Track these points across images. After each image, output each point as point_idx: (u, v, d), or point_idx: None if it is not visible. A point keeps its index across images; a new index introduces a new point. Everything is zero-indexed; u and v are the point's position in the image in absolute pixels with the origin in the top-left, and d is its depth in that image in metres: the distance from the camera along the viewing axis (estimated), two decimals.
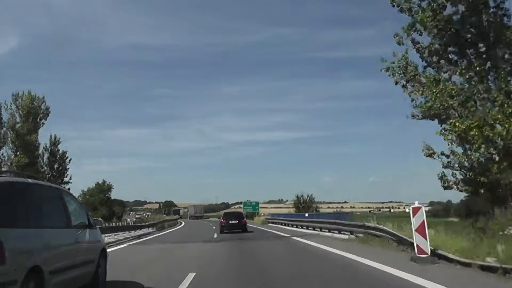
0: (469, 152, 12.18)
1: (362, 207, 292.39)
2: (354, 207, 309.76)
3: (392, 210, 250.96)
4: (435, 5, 12.40)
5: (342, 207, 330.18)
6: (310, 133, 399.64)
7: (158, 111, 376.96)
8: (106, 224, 29.85)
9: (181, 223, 63.12)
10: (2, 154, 34.11)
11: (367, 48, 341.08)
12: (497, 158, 11.41)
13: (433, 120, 13.07)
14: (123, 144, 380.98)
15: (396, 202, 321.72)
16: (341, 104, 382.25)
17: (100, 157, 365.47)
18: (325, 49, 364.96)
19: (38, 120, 36.53)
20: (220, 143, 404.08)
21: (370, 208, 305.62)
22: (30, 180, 5.80)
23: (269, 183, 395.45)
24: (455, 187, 12.77)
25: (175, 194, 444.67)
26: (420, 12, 12.61)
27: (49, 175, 35.94)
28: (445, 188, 12.76)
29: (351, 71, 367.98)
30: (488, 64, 12.15)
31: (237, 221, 25.65)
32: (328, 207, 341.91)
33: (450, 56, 13.02)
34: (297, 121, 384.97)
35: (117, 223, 37.61)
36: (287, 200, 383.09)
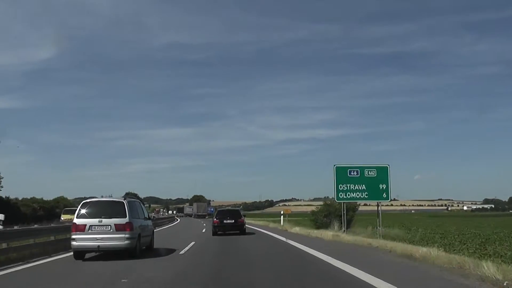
0: None
1: (413, 205, 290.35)
2: (404, 205, 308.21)
3: (449, 209, 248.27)
4: None
5: (392, 205, 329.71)
6: (352, 130, 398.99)
7: (199, 109, 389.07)
8: None
9: (177, 219, 66.38)
10: None
11: (408, 43, 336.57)
12: None
13: None
14: (165, 143, 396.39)
15: (446, 200, 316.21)
16: (383, 100, 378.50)
17: (143, 156, 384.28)
18: (366, 45, 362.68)
19: None
20: (263, 141, 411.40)
21: (422, 206, 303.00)
22: (134, 199, 14.06)
23: (313, 181, 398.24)
24: None
25: (217, 193, 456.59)
26: None
27: None
28: None
29: (393, 67, 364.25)
30: None
31: (233, 221, 22.90)
32: (377, 205, 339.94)
33: None
34: (340, 118, 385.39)
35: None
36: (328, 197, 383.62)
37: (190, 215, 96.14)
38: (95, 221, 11.84)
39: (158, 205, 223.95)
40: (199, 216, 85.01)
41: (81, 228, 11.81)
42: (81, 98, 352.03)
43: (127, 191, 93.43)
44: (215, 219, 23.36)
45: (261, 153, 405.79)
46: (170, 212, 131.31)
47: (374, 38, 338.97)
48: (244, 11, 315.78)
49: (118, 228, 11.75)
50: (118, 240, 11.73)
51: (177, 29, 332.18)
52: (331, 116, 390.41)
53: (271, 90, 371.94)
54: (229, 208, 32.43)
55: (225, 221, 22.84)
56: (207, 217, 77.92)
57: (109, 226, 11.77)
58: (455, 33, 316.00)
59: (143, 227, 13.22)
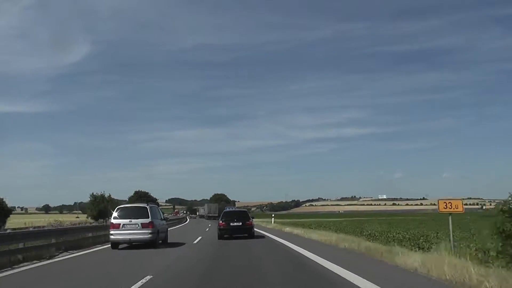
0: None
1: None
2: (435, 204, 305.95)
3: (484, 207, 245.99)
4: None
5: (421, 204, 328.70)
6: (380, 129, 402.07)
7: (227, 110, 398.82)
8: None
9: (186, 221, 67.25)
10: None
11: (435, 39, 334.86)
12: None
13: None
14: (193, 144, 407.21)
15: (475, 198, 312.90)
16: (412, 97, 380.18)
17: (170, 157, 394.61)
18: (393, 42, 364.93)
19: None
20: (290, 140, 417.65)
21: None
22: (153, 204, 19.79)
23: (341, 180, 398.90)
24: None
25: (242, 193, 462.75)
26: None
27: None
28: None
29: (420, 64, 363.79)
30: None
31: (240, 223, 22.02)
32: (407, 204, 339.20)
33: None
34: (368, 117, 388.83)
35: None
36: (360, 197, 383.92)
37: (203, 217, 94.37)
38: (126, 221, 16.73)
39: (182, 207, 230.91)
40: (209, 217, 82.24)
41: (117, 226, 16.74)
42: (109, 101, 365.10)
43: (136, 190, 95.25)
44: (220, 222, 22.52)
45: (288, 152, 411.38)
46: (198, 213, 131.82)
47: (401, 35, 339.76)
48: (270, 12, 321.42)
49: (144, 225, 16.62)
50: (144, 234, 16.62)
51: (204, 31, 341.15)
52: (358, 114, 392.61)
53: (298, 90, 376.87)
54: (237, 209, 30.71)
55: (231, 224, 22.02)
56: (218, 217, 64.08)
57: (137, 224, 16.65)
58: (483, 28, 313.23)
59: (160, 225, 18.08)
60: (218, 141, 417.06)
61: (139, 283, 8.56)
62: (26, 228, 30.24)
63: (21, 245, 13.75)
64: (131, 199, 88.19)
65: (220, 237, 21.97)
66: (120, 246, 17.27)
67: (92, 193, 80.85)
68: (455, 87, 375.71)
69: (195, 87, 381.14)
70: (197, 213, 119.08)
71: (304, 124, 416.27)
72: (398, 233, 19.78)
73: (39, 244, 14.90)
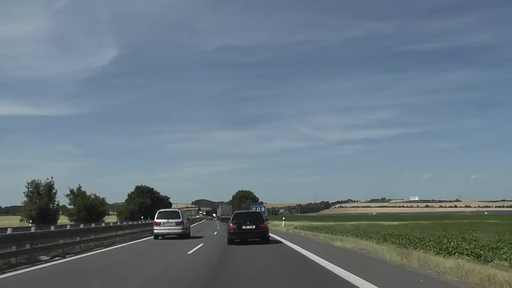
0: None
1: (479, 206, 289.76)
2: (470, 206, 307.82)
3: None
4: None
5: (455, 206, 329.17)
6: (409, 129, 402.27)
7: (255, 111, 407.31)
8: None
9: (194, 222, 74.60)
10: None
11: (465, 37, 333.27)
12: None
13: None
14: (221, 146, 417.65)
15: (509, 200, 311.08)
16: (441, 97, 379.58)
17: (199, 159, 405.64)
18: (422, 41, 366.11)
19: None
20: (318, 142, 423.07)
21: (489, 206, 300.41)
22: (180, 209, 28.30)
23: (370, 182, 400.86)
24: None
25: (271, 194, 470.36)
26: None
27: None
28: None
29: (451, 62, 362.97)
30: None
31: (253, 226, 20.39)
32: (441, 206, 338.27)
33: None
34: (396, 117, 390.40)
35: None
36: (390, 199, 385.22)
37: (219, 218, 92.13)
38: (165, 220, 24.79)
39: (208, 208, 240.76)
40: (223, 220, 79.46)
41: (158, 224, 24.83)
42: (137, 102, 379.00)
43: (137, 185, 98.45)
44: (231, 224, 20.71)
45: (316, 154, 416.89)
46: (214, 215, 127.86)
47: (431, 33, 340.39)
48: (298, 12, 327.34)
49: (177, 224, 24.67)
50: (177, 230, 24.65)
51: (232, 31, 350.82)
52: (386, 115, 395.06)
53: (326, 90, 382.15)
54: (249, 210, 30.62)
55: (244, 227, 20.36)
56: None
57: (173, 223, 24.68)
58: None
59: (187, 224, 26.31)
60: (246, 142, 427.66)
61: (200, 245, 19.34)
62: None
63: None
64: (132, 195, 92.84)
65: (231, 242, 20.37)
66: (160, 238, 25.24)
67: (33, 180, 55.59)
68: (486, 85, 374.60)
69: (223, 89, 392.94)
70: (213, 214, 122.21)
71: (333, 125, 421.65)
72: None
73: None
